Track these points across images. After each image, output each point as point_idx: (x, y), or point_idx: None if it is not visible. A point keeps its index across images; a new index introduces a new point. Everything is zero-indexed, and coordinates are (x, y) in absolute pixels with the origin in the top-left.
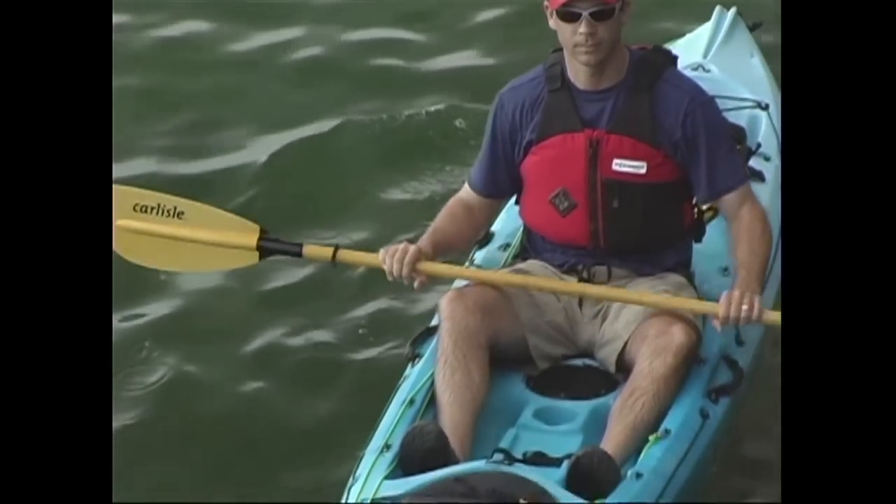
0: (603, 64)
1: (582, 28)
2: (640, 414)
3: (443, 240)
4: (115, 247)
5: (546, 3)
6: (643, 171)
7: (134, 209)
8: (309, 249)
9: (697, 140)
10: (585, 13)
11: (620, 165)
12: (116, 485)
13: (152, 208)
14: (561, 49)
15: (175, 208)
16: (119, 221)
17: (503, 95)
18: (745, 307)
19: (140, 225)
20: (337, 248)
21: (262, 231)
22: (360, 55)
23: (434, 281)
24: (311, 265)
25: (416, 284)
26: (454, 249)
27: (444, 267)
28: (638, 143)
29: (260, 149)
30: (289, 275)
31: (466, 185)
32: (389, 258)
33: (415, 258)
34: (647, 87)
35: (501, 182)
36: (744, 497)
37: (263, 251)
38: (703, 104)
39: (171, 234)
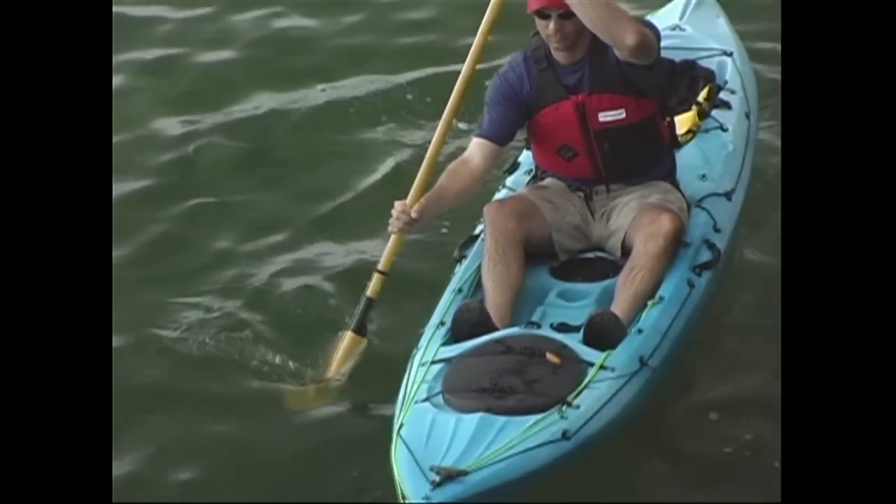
0: (574, 45)
1: (551, 25)
2: (640, 286)
3: (436, 192)
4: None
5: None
6: (623, 115)
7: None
8: (372, 292)
9: None
10: (554, 14)
11: (605, 116)
12: None
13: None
14: (538, 32)
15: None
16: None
17: (506, 74)
18: None
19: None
20: (376, 269)
21: (351, 331)
22: None
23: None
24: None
25: (414, 215)
26: (452, 197)
27: (416, 182)
28: (614, 96)
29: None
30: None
31: (477, 142)
32: (393, 224)
33: (401, 209)
34: (607, 48)
35: (510, 134)
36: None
37: (362, 332)
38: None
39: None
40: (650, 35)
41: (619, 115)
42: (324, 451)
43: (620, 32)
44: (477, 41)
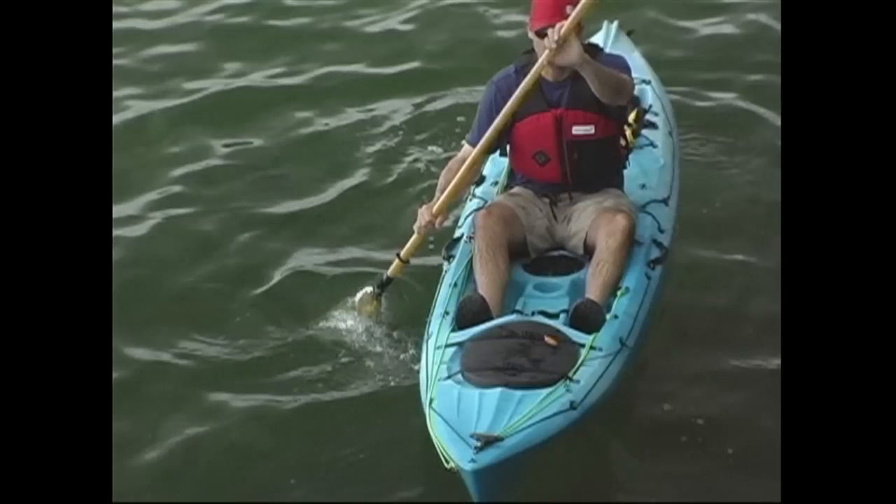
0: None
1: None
2: (606, 276)
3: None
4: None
5: (528, 21)
6: (592, 131)
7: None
8: (393, 272)
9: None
10: None
11: (577, 130)
12: None
13: None
14: (530, 51)
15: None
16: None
17: (498, 82)
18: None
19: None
20: (398, 255)
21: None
22: None
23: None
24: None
25: (437, 225)
26: (458, 195)
27: (443, 197)
28: (587, 113)
29: None
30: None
31: (469, 149)
32: (420, 227)
33: (428, 213)
34: None
35: (497, 142)
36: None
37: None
38: (613, 57)
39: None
40: (633, 89)
41: (589, 130)
42: (352, 412)
43: (617, 99)
44: (516, 96)
